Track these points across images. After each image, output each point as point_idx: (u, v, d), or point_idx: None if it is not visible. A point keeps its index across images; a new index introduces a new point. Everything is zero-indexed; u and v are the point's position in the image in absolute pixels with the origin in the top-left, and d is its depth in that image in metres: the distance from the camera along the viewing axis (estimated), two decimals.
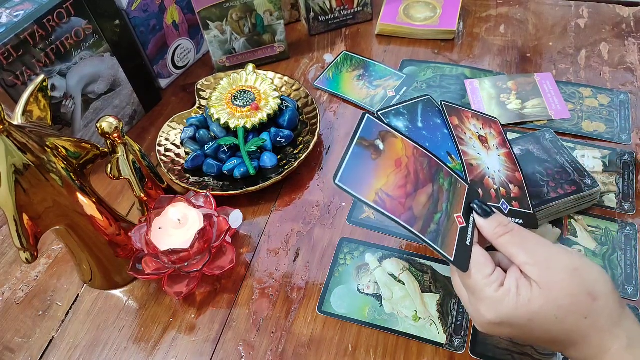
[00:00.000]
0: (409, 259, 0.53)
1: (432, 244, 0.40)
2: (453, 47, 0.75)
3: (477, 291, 0.38)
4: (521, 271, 0.37)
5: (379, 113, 0.40)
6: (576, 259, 0.36)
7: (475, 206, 0.41)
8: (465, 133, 0.43)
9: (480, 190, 0.42)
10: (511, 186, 0.45)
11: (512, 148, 0.48)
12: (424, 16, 0.77)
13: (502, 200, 0.44)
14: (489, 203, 0.43)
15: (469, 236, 0.41)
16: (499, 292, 0.36)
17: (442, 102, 0.43)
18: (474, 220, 0.42)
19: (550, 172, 0.53)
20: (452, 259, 0.39)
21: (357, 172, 0.40)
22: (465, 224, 0.42)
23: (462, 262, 0.39)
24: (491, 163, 0.44)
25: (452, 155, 0.40)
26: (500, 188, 0.43)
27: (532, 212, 0.45)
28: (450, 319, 0.48)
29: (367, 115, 0.42)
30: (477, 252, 0.39)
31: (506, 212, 0.43)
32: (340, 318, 0.49)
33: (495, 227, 0.39)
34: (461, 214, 0.42)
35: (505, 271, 0.39)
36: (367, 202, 0.39)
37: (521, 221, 0.44)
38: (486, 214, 0.41)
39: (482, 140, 0.44)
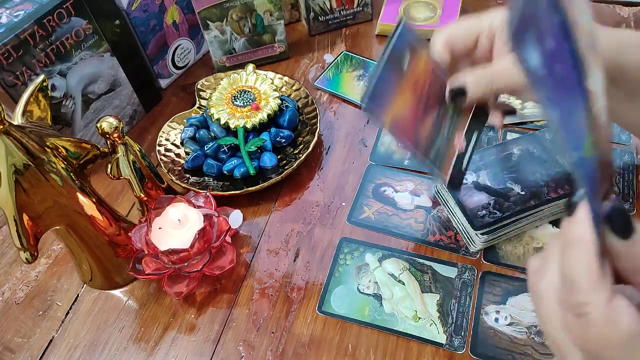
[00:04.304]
0: (409, 259, 0.53)
1: (434, 167, 0.40)
2: None
3: None
4: None
5: (513, 36, 0.23)
6: None
7: (607, 218, 0.24)
8: (579, 38, 0.25)
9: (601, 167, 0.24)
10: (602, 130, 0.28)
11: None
12: (424, 16, 0.77)
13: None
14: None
15: (465, 161, 0.41)
16: None
17: None
18: (474, 144, 0.37)
19: (551, 172, 0.53)
20: (447, 179, 0.39)
21: (382, 96, 0.39)
22: (464, 150, 0.40)
23: (456, 186, 0.40)
24: (600, 94, 0.26)
25: (586, 113, 0.23)
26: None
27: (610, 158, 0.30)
28: (450, 319, 0.48)
29: (403, 22, 0.37)
30: (628, 311, 0.23)
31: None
32: (340, 318, 0.49)
33: None
34: (463, 135, 0.40)
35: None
36: (385, 129, 0.39)
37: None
38: (627, 230, 0.23)
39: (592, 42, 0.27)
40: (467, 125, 0.41)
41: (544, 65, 0.21)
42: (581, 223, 0.24)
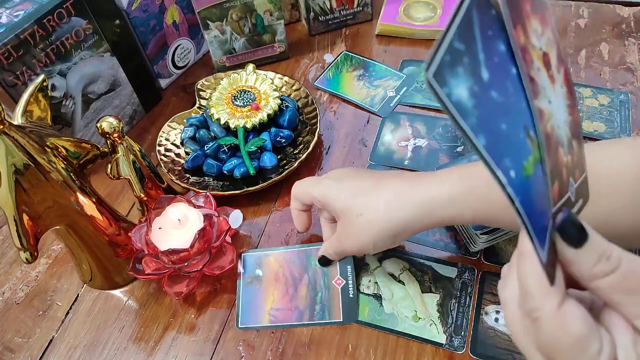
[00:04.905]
0: (409, 259, 0.53)
1: (324, 322, 0.48)
2: None
3: None
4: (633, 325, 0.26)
5: (430, 80, 0.22)
6: None
7: (559, 228, 0.25)
8: (533, 62, 0.26)
9: (556, 181, 0.26)
10: (574, 143, 0.30)
11: (563, 53, 0.31)
12: (424, 16, 0.77)
13: (570, 179, 0.29)
14: (563, 194, 0.27)
15: (351, 288, 0.49)
16: None
17: None
18: (351, 274, 0.47)
19: None
20: (341, 320, 0.47)
21: (251, 306, 0.49)
22: (344, 281, 0.49)
23: (351, 317, 0.48)
24: (558, 112, 0.28)
25: (530, 132, 0.26)
26: (568, 157, 0.29)
27: (585, 171, 0.32)
28: (450, 319, 0.48)
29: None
30: (576, 315, 0.25)
31: (573, 199, 0.30)
32: None
33: (595, 265, 0.25)
34: (338, 275, 0.50)
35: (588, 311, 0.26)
36: (264, 326, 0.48)
37: (581, 202, 0.30)
38: (578, 239, 0.25)
39: (546, 63, 0.28)
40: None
41: (474, 95, 0.22)
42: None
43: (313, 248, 0.54)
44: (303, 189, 0.49)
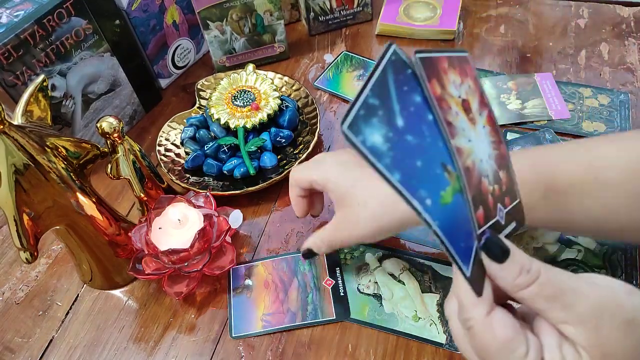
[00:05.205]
0: (409, 259, 0.53)
1: (318, 321, 0.48)
2: (453, 47, 0.75)
3: None
4: (558, 330, 0.29)
5: (345, 131, 0.25)
6: (625, 304, 0.28)
7: (483, 248, 0.29)
8: (450, 108, 0.30)
9: (481, 207, 0.30)
10: (501, 174, 0.34)
11: (486, 98, 0.35)
12: (424, 16, 0.77)
13: (499, 205, 0.33)
14: (490, 219, 0.31)
15: (341, 287, 0.50)
16: None
17: (418, 58, 0.29)
18: (340, 274, 0.47)
19: None
20: (334, 318, 0.48)
21: (243, 315, 0.50)
22: (333, 281, 0.50)
23: (344, 315, 0.48)
24: (481, 148, 0.33)
25: (448, 167, 0.29)
26: (495, 186, 0.33)
27: (519, 198, 0.36)
28: None
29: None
30: (502, 321, 0.28)
31: (503, 223, 0.34)
32: None
33: (517, 277, 0.28)
34: (327, 277, 0.51)
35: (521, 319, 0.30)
36: (257, 332, 0.49)
37: (514, 224, 0.35)
38: (500, 256, 0.28)
39: (466, 109, 0.32)
40: (325, 259, 0.53)
41: (388, 140, 0.25)
42: None
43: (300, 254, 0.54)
44: (302, 175, 0.47)
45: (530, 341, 0.28)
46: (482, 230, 0.30)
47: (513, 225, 0.34)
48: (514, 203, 0.35)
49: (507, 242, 0.29)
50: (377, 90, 0.26)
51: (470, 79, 0.33)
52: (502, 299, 0.30)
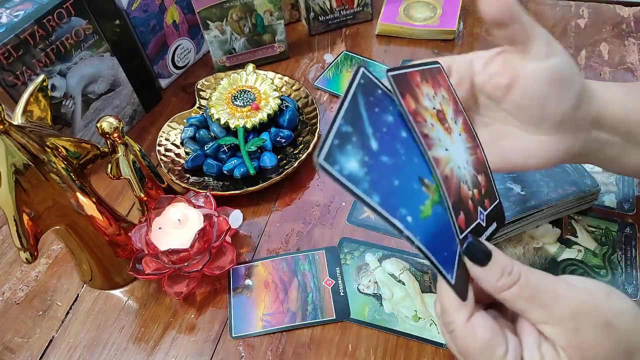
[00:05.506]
0: (409, 259, 0.53)
1: (318, 321, 0.48)
2: (453, 47, 0.75)
3: None
4: (537, 329, 0.30)
5: (321, 163, 0.24)
6: (603, 306, 0.29)
7: (466, 252, 0.30)
8: (425, 121, 0.30)
9: (461, 212, 0.31)
10: (479, 178, 0.34)
11: (461, 105, 0.36)
12: (424, 16, 0.77)
13: (479, 208, 0.34)
14: (470, 223, 0.32)
15: (341, 287, 0.50)
16: None
17: (390, 76, 0.29)
18: (340, 274, 0.44)
19: (550, 172, 0.53)
20: (334, 318, 0.48)
21: (243, 315, 0.50)
22: (333, 281, 0.50)
23: (343, 315, 0.48)
24: (458, 155, 0.33)
25: (426, 180, 0.29)
26: (474, 190, 0.33)
27: (498, 199, 0.36)
28: None
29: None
30: (482, 324, 0.30)
31: (484, 225, 0.34)
32: None
33: (499, 279, 0.29)
34: (327, 277, 0.51)
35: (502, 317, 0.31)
36: (257, 332, 0.49)
37: (495, 225, 0.35)
38: (483, 259, 0.30)
39: (441, 119, 0.32)
40: (325, 262, 0.52)
41: (365, 164, 0.25)
42: None
43: (300, 254, 0.54)
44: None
45: (509, 342, 0.29)
46: (464, 234, 0.31)
47: (494, 226, 0.35)
48: (494, 204, 0.36)
49: (489, 245, 0.30)
50: (349, 116, 0.26)
51: (444, 89, 0.34)
52: (487, 300, 0.32)
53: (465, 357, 0.31)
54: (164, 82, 0.75)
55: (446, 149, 0.31)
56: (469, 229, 0.31)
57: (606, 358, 0.28)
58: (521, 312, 0.30)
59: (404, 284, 0.51)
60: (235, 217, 0.57)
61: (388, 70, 0.29)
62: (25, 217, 0.42)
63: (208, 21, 0.70)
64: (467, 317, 0.30)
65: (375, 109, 0.28)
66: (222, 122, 0.61)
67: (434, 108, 0.31)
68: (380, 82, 0.30)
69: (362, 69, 0.28)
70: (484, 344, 0.29)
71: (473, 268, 0.30)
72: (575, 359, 0.28)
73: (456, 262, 0.30)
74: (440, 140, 0.31)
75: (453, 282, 0.29)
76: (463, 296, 0.30)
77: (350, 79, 0.28)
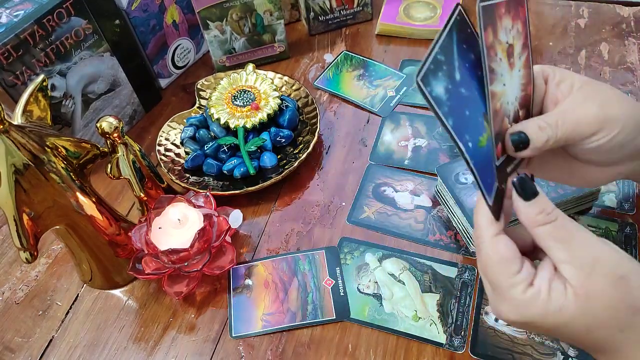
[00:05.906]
0: (409, 258, 0.53)
1: (318, 321, 0.49)
2: None
3: (501, 290, 0.33)
4: (555, 268, 0.33)
5: (419, 82, 0.29)
6: (625, 264, 0.31)
7: (515, 182, 0.33)
8: (496, 55, 0.33)
9: (500, 143, 0.35)
10: (520, 113, 0.37)
11: (529, 40, 0.37)
12: (424, 16, 0.77)
13: None
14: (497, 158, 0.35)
15: (341, 287, 0.51)
16: (527, 294, 0.32)
17: (481, 6, 0.32)
18: (340, 274, 0.46)
19: None
20: (334, 318, 0.48)
21: (243, 315, 0.50)
22: (334, 281, 0.51)
23: (343, 315, 0.49)
24: (511, 91, 0.35)
25: (487, 117, 0.33)
26: (513, 124, 0.37)
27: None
28: (450, 318, 0.48)
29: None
30: (505, 243, 0.33)
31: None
32: None
33: (537, 214, 0.32)
34: (327, 276, 0.51)
35: (527, 255, 0.34)
36: (257, 332, 0.49)
37: (519, 159, 0.38)
38: (529, 195, 0.33)
39: (509, 54, 0.35)
40: (325, 261, 0.53)
41: (448, 91, 0.30)
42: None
43: (300, 254, 0.54)
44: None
45: (525, 266, 0.33)
46: (500, 161, 0.35)
47: (518, 159, 0.38)
48: None
49: (537, 187, 0.33)
50: (445, 46, 0.31)
51: (520, 22, 0.36)
52: (526, 248, 0.35)
53: (484, 270, 0.34)
54: (163, 82, 0.75)
55: (504, 85, 0.34)
56: (503, 158, 0.36)
57: (608, 305, 0.31)
58: (548, 248, 0.33)
59: (404, 283, 0.51)
60: (235, 217, 0.57)
61: (480, 0, 0.32)
62: (25, 217, 0.42)
63: (208, 21, 0.70)
64: (495, 233, 0.33)
65: (464, 45, 0.32)
66: (222, 121, 0.60)
67: (507, 42, 0.34)
68: (471, 22, 0.34)
69: (459, 7, 0.33)
70: (501, 258, 0.33)
71: (517, 201, 0.33)
72: (580, 299, 0.31)
73: (494, 193, 0.34)
74: (502, 76, 0.34)
75: (491, 203, 0.33)
76: (496, 215, 0.33)
77: (449, 15, 0.32)
